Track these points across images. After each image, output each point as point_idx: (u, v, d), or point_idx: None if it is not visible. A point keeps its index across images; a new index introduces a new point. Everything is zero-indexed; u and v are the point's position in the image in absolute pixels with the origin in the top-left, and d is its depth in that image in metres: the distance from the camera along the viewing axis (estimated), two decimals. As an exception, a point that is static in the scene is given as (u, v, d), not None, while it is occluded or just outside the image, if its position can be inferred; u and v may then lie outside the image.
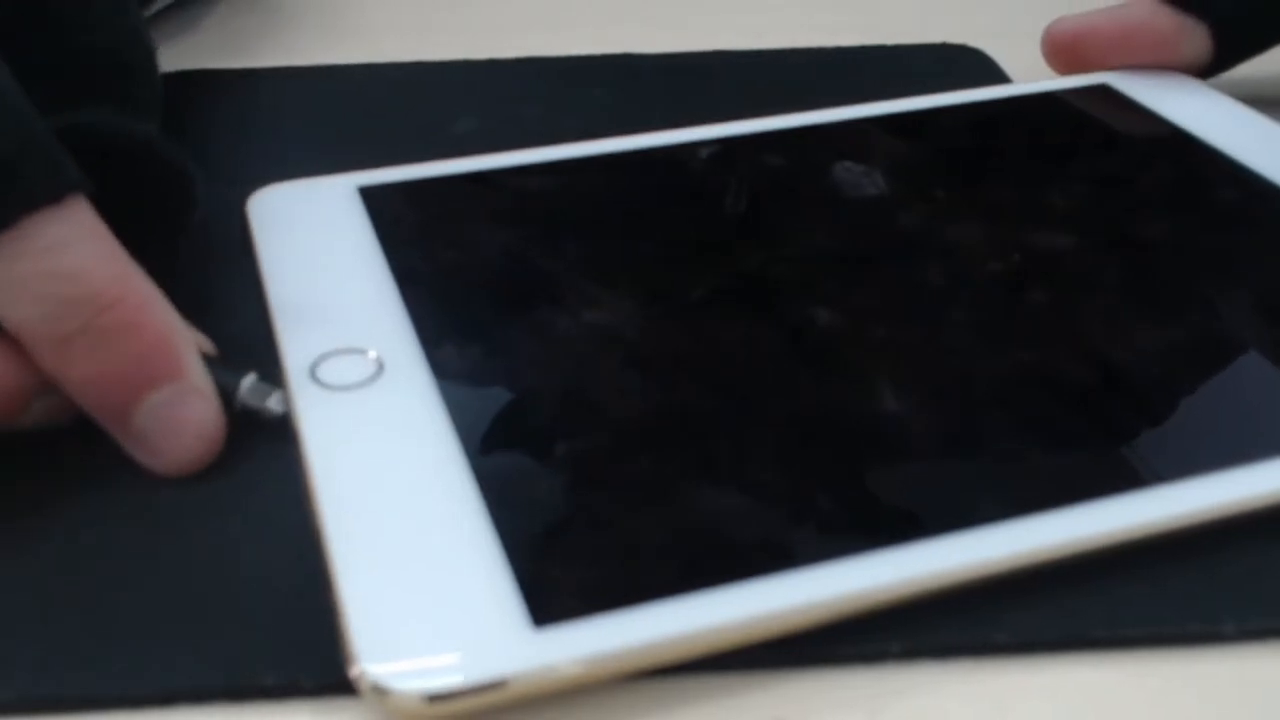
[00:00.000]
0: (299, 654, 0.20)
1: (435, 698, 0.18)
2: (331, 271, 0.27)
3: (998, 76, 0.39)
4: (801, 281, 0.27)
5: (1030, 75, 0.38)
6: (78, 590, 0.21)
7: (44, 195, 0.21)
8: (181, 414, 0.23)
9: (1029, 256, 0.28)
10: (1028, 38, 0.38)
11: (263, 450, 0.23)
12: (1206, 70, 0.36)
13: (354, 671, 0.19)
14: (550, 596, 0.20)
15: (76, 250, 0.22)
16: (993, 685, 0.20)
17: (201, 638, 0.20)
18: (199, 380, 0.23)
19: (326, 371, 0.24)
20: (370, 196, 0.29)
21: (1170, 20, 0.35)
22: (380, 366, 0.24)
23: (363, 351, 0.24)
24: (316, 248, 0.28)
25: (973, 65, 0.39)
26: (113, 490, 0.23)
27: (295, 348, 0.24)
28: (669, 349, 0.25)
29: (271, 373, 0.24)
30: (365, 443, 0.22)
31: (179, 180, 0.26)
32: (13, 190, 0.21)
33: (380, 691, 0.18)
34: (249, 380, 0.24)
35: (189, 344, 0.23)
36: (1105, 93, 0.35)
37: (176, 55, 0.39)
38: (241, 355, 0.24)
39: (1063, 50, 0.37)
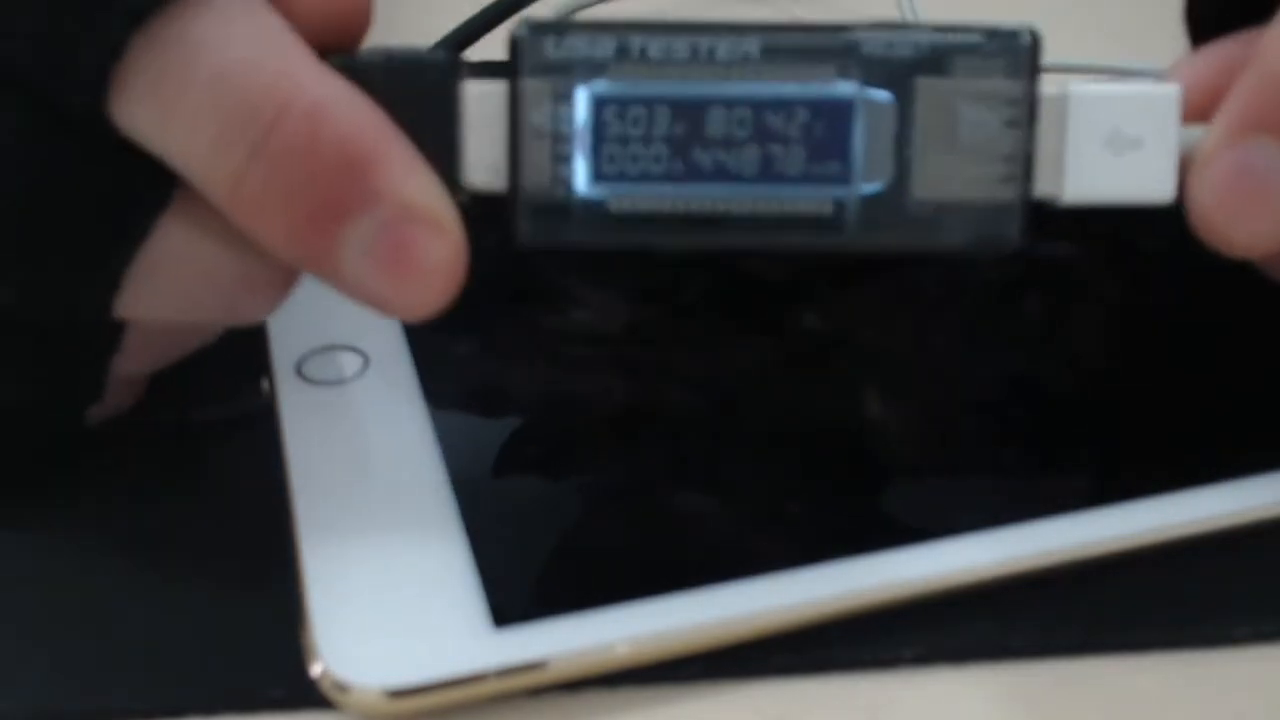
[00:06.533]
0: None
1: (394, 694, 0.18)
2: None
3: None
4: (788, 288, 0.27)
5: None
6: (86, 602, 0.20)
7: None
8: (391, 245, 0.17)
9: (1039, 267, 0.28)
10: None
11: (278, 460, 0.23)
12: None
13: (315, 669, 0.18)
14: (514, 597, 0.19)
15: (226, 48, 0.16)
16: (1000, 687, 0.20)
17: (210, 650, 0.20)
18: (407, 198, 0.17)
19: (312, 367, 0.24)
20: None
21: None
22: (366, 363, 0.24)
23: (350, 348, 0.24)
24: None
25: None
26: (119, 500, 0.22)
27: (284, 343, 0.24)
28: (653, 355, 0.25)
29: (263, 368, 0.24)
30: (342, 438, 0.22)
31: None
32: None
33: (341, 688, 0.18)
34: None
35: (387, 156, 0.17)
36: None
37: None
38: (239, 352, 0.24)
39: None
